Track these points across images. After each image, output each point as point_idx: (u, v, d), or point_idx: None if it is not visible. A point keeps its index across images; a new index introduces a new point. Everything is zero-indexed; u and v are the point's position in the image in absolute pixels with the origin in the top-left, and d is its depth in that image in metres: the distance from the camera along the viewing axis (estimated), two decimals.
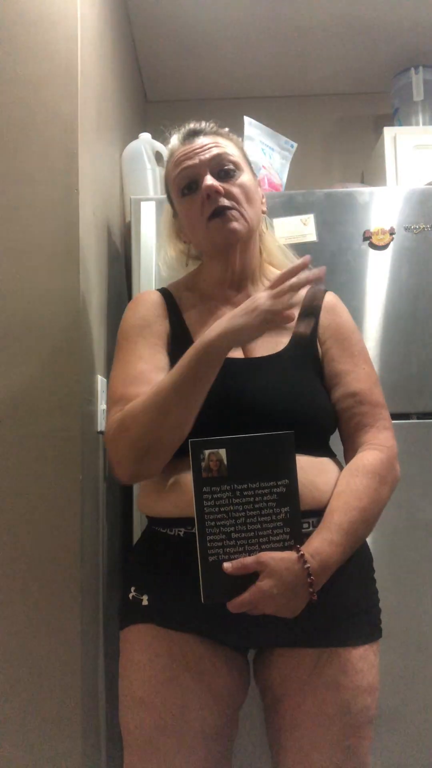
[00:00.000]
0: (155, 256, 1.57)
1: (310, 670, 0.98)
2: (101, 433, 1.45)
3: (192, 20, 2.15)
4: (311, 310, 1.13)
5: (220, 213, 1.07)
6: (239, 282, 1.15)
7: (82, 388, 1.29)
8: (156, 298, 1.16)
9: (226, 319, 0.93)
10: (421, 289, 1.60)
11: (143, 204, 1.62)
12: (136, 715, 0.97)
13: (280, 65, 2.40)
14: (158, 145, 1.90)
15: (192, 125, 1.15)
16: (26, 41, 1.32)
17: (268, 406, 1.00)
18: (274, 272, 1.16)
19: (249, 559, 0.89)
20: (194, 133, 1.14)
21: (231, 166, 1.10)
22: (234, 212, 1.07)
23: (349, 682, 0.97)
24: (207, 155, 1.10)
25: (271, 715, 1.04)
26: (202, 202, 1.08)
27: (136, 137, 1.91)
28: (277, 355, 1.08)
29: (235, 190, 1.09)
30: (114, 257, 1.71)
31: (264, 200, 1.19)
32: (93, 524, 1.36)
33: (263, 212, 1.17)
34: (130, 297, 1.65)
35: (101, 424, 1.43)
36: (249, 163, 1.18)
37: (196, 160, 1.10)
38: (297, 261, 0.97)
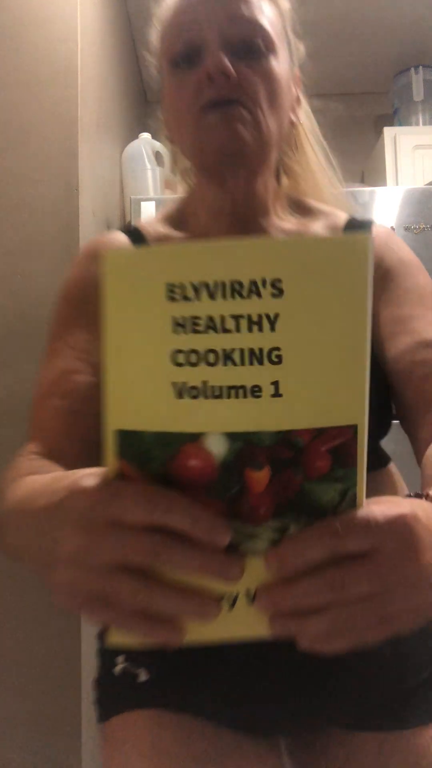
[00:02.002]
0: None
1: (373, 756, 0.67)
2: None
3: None
4: None
5: (222, 105, 0.67)
6: (244, 215, 0.75)
7: None
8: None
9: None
10: None
11: (143, 204, 1.62)
12: None
13: None
14: (158, 145, 1.90)
15: None
16: (26, 41, 1.32)
17: None
18: (304, 203, 0.81)
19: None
20: None
21: (259, 40, 0.69)
22: (244, 111, 0.67)
23: None
24: (224, 11, 0.68)
25: None
26: (198, 84, 0.68)
27: (136, 137, 1.91)
28: None
29: (255, 79, 0.68)
30: None
31: (299, 105, 0.78)
32: None
33: (292, 123, 0.76)
34: None
35: None
36: (290, 42, 0.76)
37: (203, 16, 0.68)
38: (342, 195, 0.72)
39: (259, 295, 0.34)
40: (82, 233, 1.31)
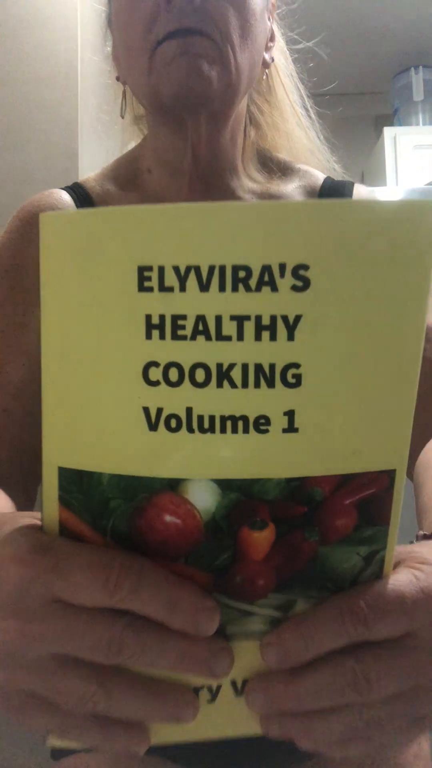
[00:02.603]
0: None
1: None
2: None
3: None
4: None
5: (184, 36, 0.53)
6: (208, 172, 0.62)
7: None
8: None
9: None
10: None
11: None
12: None
13: None
14: None
15: None
16: (26, 41, 1.32)
17: None
18: (275, 159, 0.68)
19: None
20: None
21: None
22: (209, 44, 0.53)
23: None
24: None
25: None
26: (155, 8, 0.54)
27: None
28: None
29: (225, 5, 0.54)
30: None
31: (273, 42, 0.65)
32: None
33: (265, 63, 0.63)
34: None
35: None
36: None
37: None
38: (321, 148, 0.63)
39: (273, 287, 0.23)
40: None
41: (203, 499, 0.25)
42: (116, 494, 0.25)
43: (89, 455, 0.25)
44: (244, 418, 0.24)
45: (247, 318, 0.23)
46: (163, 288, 0.23)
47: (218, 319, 0.23)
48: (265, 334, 0.23)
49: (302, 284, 0.23)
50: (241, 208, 0.23)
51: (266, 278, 0.23)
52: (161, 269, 0.23)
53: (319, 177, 0.68)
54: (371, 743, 0.28)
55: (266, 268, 0.23)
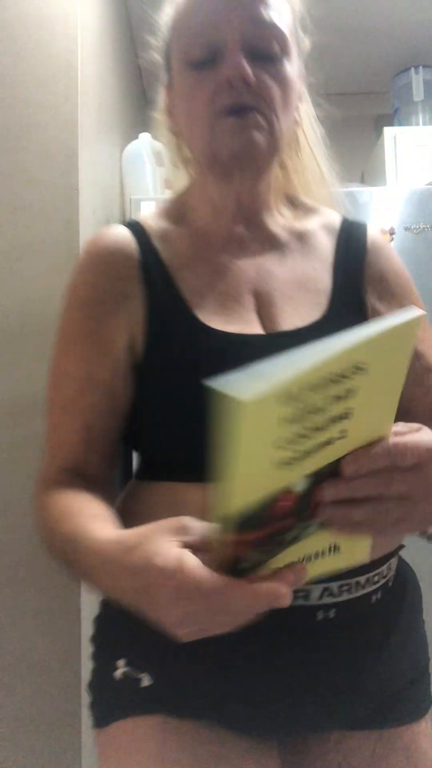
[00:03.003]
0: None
1: (367, 758, 0.70)
2: None
3: None
4: (353, 254, 0.76)
5: (240, 112, 0.67)
6: (247, 212, 0.75)
7: None
8: (124, 250, 0.72)
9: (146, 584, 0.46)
10: (422, 289, 1.60)
11: (143, 204, 1.62)
12: None
13: None
14: (158, 145, 1.89)
15: None
16: (26, 41, 1.32)
17: None
18: (298, 199, 0.82)
19: None
20: None
21: (276, 44, 0.68)
22: (261, 118, 0.67)
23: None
24: (245, 14, 0.67)
25: None
26: (217, 87, 0.67)
27: (136, 137, 1.91)
28: (315, 326, 0.70)
29: (272, 85, 0.68)
30: None
31: (302, 101, 0.78)
32: None
33: (296, 120, 0.76)
34: None
35: None
36: (298, 39, 0.75)
37: (224, 17, 0.66)
38: (338, 192, 0.76)
39: (344, 377, 0.41)
40: (82, 233, 1.31)
41: (299, 485, 0.44)
42: (259, 508, 0.42)
43: (245, 496, 0.41)
44: (330, 440, 0.44)
45: (332, 396, 0.42)
46: (294, 417, 0.40)
47: (318, 403, 0.42)
48: (340, 400, 0.43)
49: (361, 371, 0.42)
50: (336, 360, 0.41)
51: (343, 376, 0.42)
52: (296, 413, 0.40)
53: (337, 217, 0.81)
54: (377, 527, 0.49)
55: (342, 373, 0.41)
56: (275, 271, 0.74)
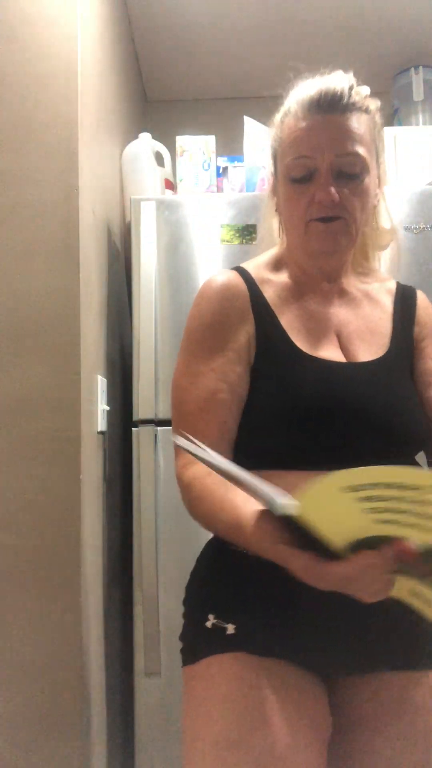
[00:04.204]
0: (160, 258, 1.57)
1: (397, 694, 0.88)
2: (102, 433, 1.45)
3: (192, 20, 2.15)
4: (407, 308, 1.01)
5: (328, 220, 0.90)
6: (329, 277, 0.98)
7: (82, 388, 1.28)
8: (239, 287, 0.95)
9: (301, 566, 0.69)
10: (422, 289, 1.60)
11: (143, 204, 1.62)
12: (229, 759, 0.79)
13: (280, 65, 2.39)
14: (158, 145, 1.90)
15: (326, 85, 0.89)
16: (26, 41, 1.32)
17: (383, 418, 0.88)
18: (366, 265, 1.04)
19: None
20: (329, 104, 0.88)
21: (358, 169, 0.89)
22: (342, 223, 0.90)
23: None
24: (336, 148, 0.88)
25: (339, 740, 0.89)
26: (309, 201, 0.90)
27: (136, 137, 1.91)
28: (382, 360, 0.94)
29: (354, 200, 0.90)
30: (114, 257, 1.71)
31: (381, 188, 0.98)
32: (94, 524, 1.36)
33: (374, 206, 0.97)
34: (129, 297, 1.65)
35: (101, 424, 1.43)
36: (376, 150, 0.95)
37: (319, 151, 0.88)
38: (396, 242, 1.01)
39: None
40: (82, 233, 1.31)
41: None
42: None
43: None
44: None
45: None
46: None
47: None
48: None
49: None
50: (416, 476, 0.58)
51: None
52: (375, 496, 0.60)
53: (393, 282, 1.04)
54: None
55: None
56: (350, 317, 0.97)
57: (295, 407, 0.86)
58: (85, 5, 1.40)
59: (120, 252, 1.81)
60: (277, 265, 1.01)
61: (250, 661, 0.84)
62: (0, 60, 1.32)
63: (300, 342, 0.92)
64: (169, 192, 1.87)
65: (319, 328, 0.94)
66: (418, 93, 2.26)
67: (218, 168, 1.86)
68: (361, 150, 0.89)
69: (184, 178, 1.82)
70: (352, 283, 1.01)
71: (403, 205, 1.63)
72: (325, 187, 0.88)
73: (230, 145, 2.02)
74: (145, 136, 1.90)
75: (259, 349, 0.92)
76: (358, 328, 0.96)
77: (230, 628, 0.86)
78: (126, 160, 1.89)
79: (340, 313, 0.97)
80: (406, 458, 0.89)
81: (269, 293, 0.96)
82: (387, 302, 1.01)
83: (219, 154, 1.88)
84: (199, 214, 1.62)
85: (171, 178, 1.91)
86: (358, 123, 0.90)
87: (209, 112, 2.51)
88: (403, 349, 0.97)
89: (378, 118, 0.96)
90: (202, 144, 1.83)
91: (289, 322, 0.94)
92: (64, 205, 1.30)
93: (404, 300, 1.02)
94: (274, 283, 0.97)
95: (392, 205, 1.01)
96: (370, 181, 0.91)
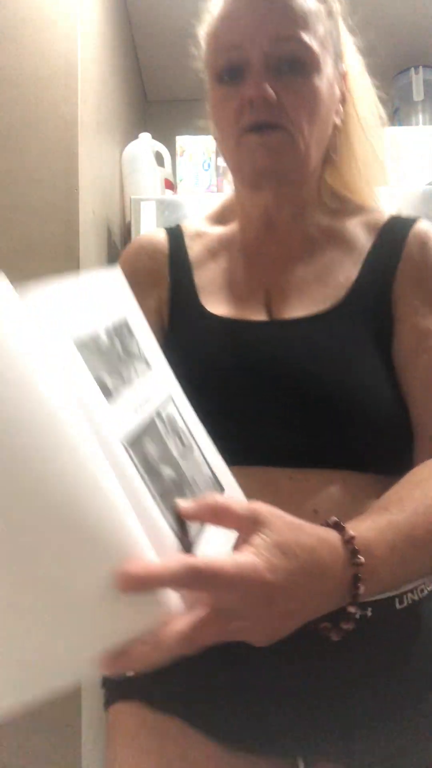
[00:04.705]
0: None
1: None
2: None
3: (192, 20, 2.15)
4: (390, 243, 0.74)
5: (262, 129, 0.68)
6: (276, 221, 0.76)
7: None
8: (155, 247, 0.80)
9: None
10: None
11: (143, 204, 1.62)
12: None
13: None
14: (158, 145, 1.89)
15: None
16: (26, 41, 1.32)
17: (306, 384, 0.65)
18: (344, 198, 0.80)
19: (232, 504, 0.46)
20: None
21: (302, 59, 0.68)
22: (283, 134, 0.68)
23: None
24: (269, 31, 0.67)
25: None
26: (240, 106, 0.69)
27: (136, 137, 1.91)
28: (323, 316, 0.70)
29: (296, 102, 0.68)
30: (114, 257, 1.71)
31: (345, 103, 0.76)
32: None
33: (336, 125, 0.75)
34: None
35: None
36: (336, 42, 0.74)
37: (247, 37, 0.67)
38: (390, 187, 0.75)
39: None
40: (82, 233, 1.31)
41: None
42: None
43: None
44: None
45: None
46: None
47: None
48: None
49: None
50: None
51: None
52: None
53: (384, 215, 0.78)
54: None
55: None
56: (295, 268, 0.75)
57: (191, 372, 0.59)
58: (85, 5, 1.40)
59: (120, 252, 1.81)
60: (222, 213, 0.84)
61: (146, 717, 0.65)
62: (0, 60, 1.32)
63: (210, 300, 0.74)
64: (169, 192, 1.87)
65: (243, 284, 0.75)
66: (418, 93, 2.26)
67: (218, 168, 1.86)
68: (306, 36, 0.67)
69: (184, 178, 1.82)
70: (314, 223, 0.77)
71: (403, 205, 1.63)
72: (255, 81, 0.67)
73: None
74: (145, 137, 1.90)
75: (171, 312, 0.76)
76: (301, 280, 0.73)
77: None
78: (126, 161, 1.89)
79: (279, 264, 0.75)
80: (361, 442, 0.65)
81: (197, 249, 0.80)
82: (363, 241, 0.75)
83: (219, 154, 1.88)
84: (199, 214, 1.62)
85: (171, 178, 1.91)
86: (302, 0, 0.68)
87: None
88: (365, 303, 0.70)
89: (336, 4, 0.75)
90: (202, 144, 1.83)
91: (208, 279, 0.77)
92: (64, 205, 1.30)
93: (391, 234, 0.75)
94: (207, 237, 0.81)
95: (390, 204, 0.91)
96: (321, 82, 0.69)
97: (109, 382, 0.46)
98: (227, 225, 0.82)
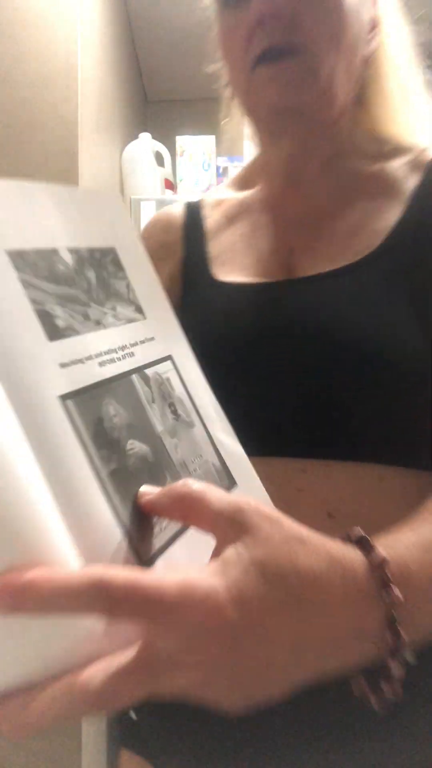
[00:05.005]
0: None
1: None
2: None
3: (192, 20, 2.15)
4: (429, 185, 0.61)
5: (276, 58, 0.55)
6: (301, 173, 0.64)
7: None
8: (170, 219, 0.73)
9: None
10: None
11: (143, 204, 1.62)
12: None
13: None
14: (158, 145, 1.90)
15: None
16: (27, 42, 1.32)
17: (315, 354, 0.54)
18: (384, 139, 0.66)
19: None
20: None
21: None
22: (298, 63, 0.55)
23: None
24: None
25: None
26: (249, 30, 0.56)
27: (136, 137, 1.91)
28: (350, 267, 0.58)
29: (315, 17, 0.55)
30: None
31: (377, 28, 0.62)
32: None
33: (365, 59, 0.61)
34: None
35: None
36: None
37: None
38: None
39: None
40: None
41: None
42: None
43: None
44: None
45: None
46: None
47: None
48: None
49: None
50: None
51: None
52: None
53: (430, 152, 0.65)
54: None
55: None
56: (324, 223, 0.63)
57: (196, 345, 0.48)
58: (85, 6, 1.40)
59: None
60: (246, 177, 0.74)
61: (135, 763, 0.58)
62: (0, 60, 1.32)
63: (224, 269, 0.65)
64: (169, 192, 1.87)
65: (267, 245, 0.65)
66: None
67: (218, 168, 1.86)
68: None
69: (184, 178, 1.82)
70: (348, 169, 0.65)
71: None
72: None
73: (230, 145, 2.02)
74: (145, 137, 1.90)
75: (183, 285, 0.68)
76: (334, 233, 0.62)
77: (132, 712, 0.58)
78: (126, 160, 1.89)
79: (306, 220, 0.64)
80: (388, 393, 0.52)
81: (215, 217, 0.71)
82: (407, 182, 0.63)
83: (219, 154, 1.88)
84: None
85: (171, 178, 1.91)
86: None
87: (209, 112, 2.51)
88: (410, 246, 0.57)
89: None
90: (202, 144, 1.83)
91: (224, 246, 0.68)
92: None
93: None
94: (227, 203, 0.72)
95: None
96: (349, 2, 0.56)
97: (61, 316, 0.35)
98: (252, 188, 0.71)
